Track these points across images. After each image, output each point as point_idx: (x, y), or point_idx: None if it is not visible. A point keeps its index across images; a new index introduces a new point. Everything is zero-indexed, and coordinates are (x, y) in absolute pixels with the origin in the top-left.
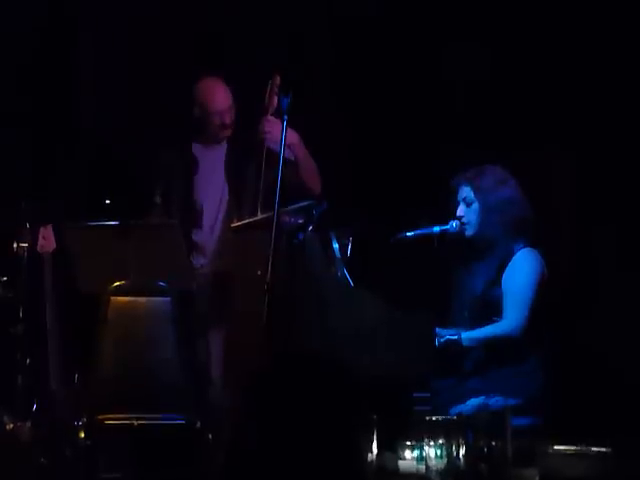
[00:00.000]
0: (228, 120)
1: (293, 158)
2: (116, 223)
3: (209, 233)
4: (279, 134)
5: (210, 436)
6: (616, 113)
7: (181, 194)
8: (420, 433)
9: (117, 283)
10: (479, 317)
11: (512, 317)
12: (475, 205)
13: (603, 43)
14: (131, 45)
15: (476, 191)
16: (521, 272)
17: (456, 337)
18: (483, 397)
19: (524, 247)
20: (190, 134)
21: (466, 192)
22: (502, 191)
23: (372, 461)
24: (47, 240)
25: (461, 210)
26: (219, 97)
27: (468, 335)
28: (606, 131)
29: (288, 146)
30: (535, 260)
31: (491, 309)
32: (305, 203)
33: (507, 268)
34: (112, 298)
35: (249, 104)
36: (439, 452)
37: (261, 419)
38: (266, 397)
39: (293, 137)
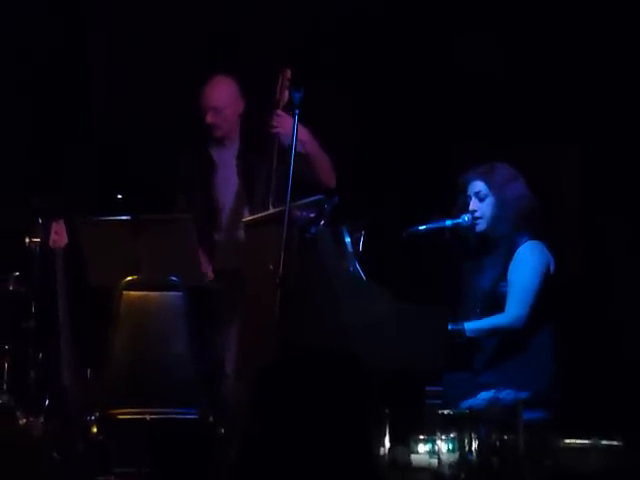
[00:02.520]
0: (207, 120)
1: (304, 153)
2: (128, 218)
3: (229, 231)
4: (289, 128)
5: (223, 430)
6: (623, 104)
7: (201, 196)
8: (432, 427)
9: (129, 278)
10: (490, 313)
11: (514, 308)
12: (489, 200)
13: (610, 37)
14: (144, 40)
15: (490, 186)
16: (524, 264)
17: (460, 327)
18: (493, 391)
19: (528, 240)
20: (206, 134)
21: (479, 187)
22: (514, 187)
23: (385, 455)
24: (59, 235)
25: (474, 204)
26: (206, 94)
27: (471, 326)
28: (613, 122)
29: (299, 142)
30: (539, 252)
31: (501, 304)
32: (316, 197)
33: (512, 261)
34: (124, 293)
35: (260, 99)
36: (451, 446)
37: (273, 413)
38: (278, 391)
39: (303, 133)
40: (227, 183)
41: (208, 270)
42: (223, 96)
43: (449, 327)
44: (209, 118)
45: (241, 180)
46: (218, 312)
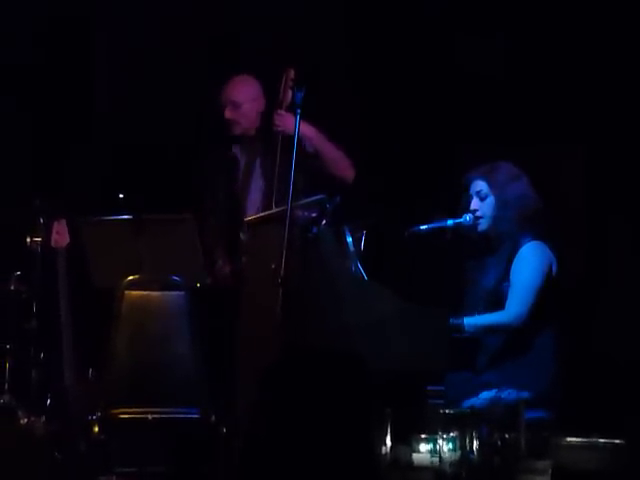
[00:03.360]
0: (225, 115)
1: (312, 150)
2: (130, 217)
3: None
4: (291, 126)
5: (224, 429)
6: (625, 105)
7: (224, 196)
8: (434, 426)
9: (131, 277)
10: (492, 312)
11: (514, 306)
12: (490, 199)
13: (613, 38)
14: (146, 39)
15: (491, 185)
16: (526, 264)
17: (459, 322)
18: (495, 390)
19: (531, 240)
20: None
21: (480, 186)
22: (516, 186)
23: (386, 454)
24: (61, 235)
25: (475, 204)
26: (226, 90)
27: (470, 321)
28: (615, 123)
29: (304, 139)
30: (541, 252)
31: (503, 303)
32: (318, 197)
33: (514, 260)
34: (126, 292)
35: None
36: (453, 445)
37: (276, 412)
38: (281, 390)
39: (308, 129)
40: (250, 183)
41: (226, 269)
42: (243, 92)
43: (449, 321)
44: (227, 113)
45: (263, 179)
46: (223, 311)
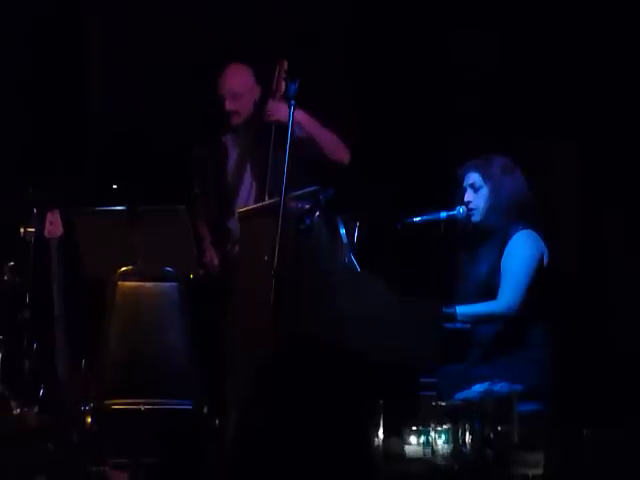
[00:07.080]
0: (226, 106)
1: (304, 135)
2: (124, 208)
3: None
4: (283, 116)
5: (217, 421)
6: (619, 98)
7: (214, 185)
8: (426, 418)
9: (124, 268)
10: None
11: (506, 296)
12: (483, 191)
13: (605, 31)
14: (140, 28)
15: (485, 177)
16: (517, 253)
17: (451, 311)
18: (488, 383)
19: (522, 229)
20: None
21: (474, 178)
22: (510, 180)
23: (378, 446)
24: (54, 225)
25: (469, 195)
26: (224, 81)
27: (463, 310)
28: (609, 116)
29: (296, 125)
30: (532, 241)
31: (496, 293)
32: (312, 188)
33: (505, 249)
34: (119, 283)
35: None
36: (445, 437)
37: (269, 404)
38: (274, 382)
39: (300, 116)
40: (242, 173)
41: (214, 260)
42: (241, 82)
43: (442, 310)
44: (228, 105)
45: (254, 170)
46: (216, 302)
